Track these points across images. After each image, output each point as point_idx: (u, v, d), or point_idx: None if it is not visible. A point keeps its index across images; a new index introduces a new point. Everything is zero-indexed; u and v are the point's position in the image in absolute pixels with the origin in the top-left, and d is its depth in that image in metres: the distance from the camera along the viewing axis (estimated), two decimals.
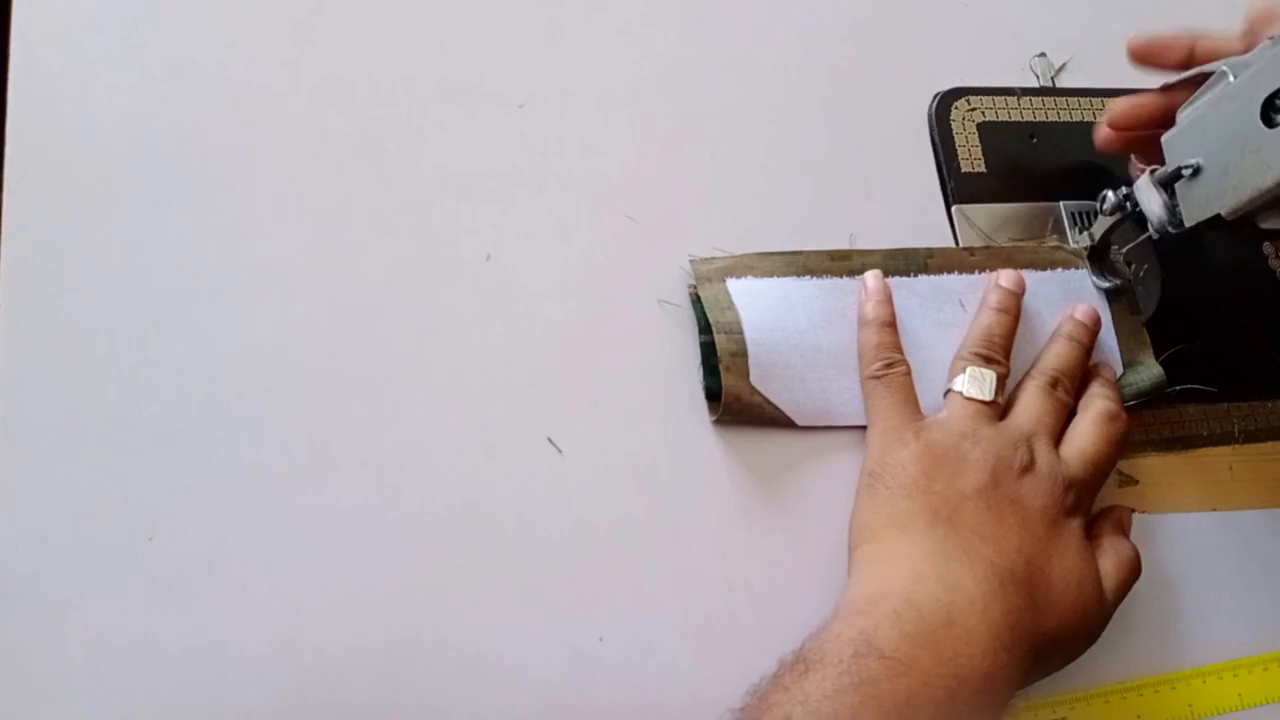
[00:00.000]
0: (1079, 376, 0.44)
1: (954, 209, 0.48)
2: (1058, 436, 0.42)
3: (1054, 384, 0.43)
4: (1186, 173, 0.40)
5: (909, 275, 0.45)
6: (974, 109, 0.50)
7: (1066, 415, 0.43)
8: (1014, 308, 0.44)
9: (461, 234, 0.42)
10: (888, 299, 0.43)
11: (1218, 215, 0.39)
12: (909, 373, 0.42)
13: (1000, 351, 0.43)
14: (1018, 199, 0.49)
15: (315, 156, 0.42)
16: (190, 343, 0.39)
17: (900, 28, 0.52)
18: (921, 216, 0.48)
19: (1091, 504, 0.42)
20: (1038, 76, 0.53)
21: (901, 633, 0.33)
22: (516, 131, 0.45)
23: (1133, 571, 0.41)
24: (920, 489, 0.38)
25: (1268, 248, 0.51)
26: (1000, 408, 0.42)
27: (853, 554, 0.39)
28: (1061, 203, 0.50)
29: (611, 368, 0.42)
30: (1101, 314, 0.46)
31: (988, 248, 0.47)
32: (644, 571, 0.39)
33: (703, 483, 0.41)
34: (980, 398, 0.41)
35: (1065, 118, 0.52)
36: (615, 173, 0.45)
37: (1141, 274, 0.48)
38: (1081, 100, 0.52)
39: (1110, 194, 0.44)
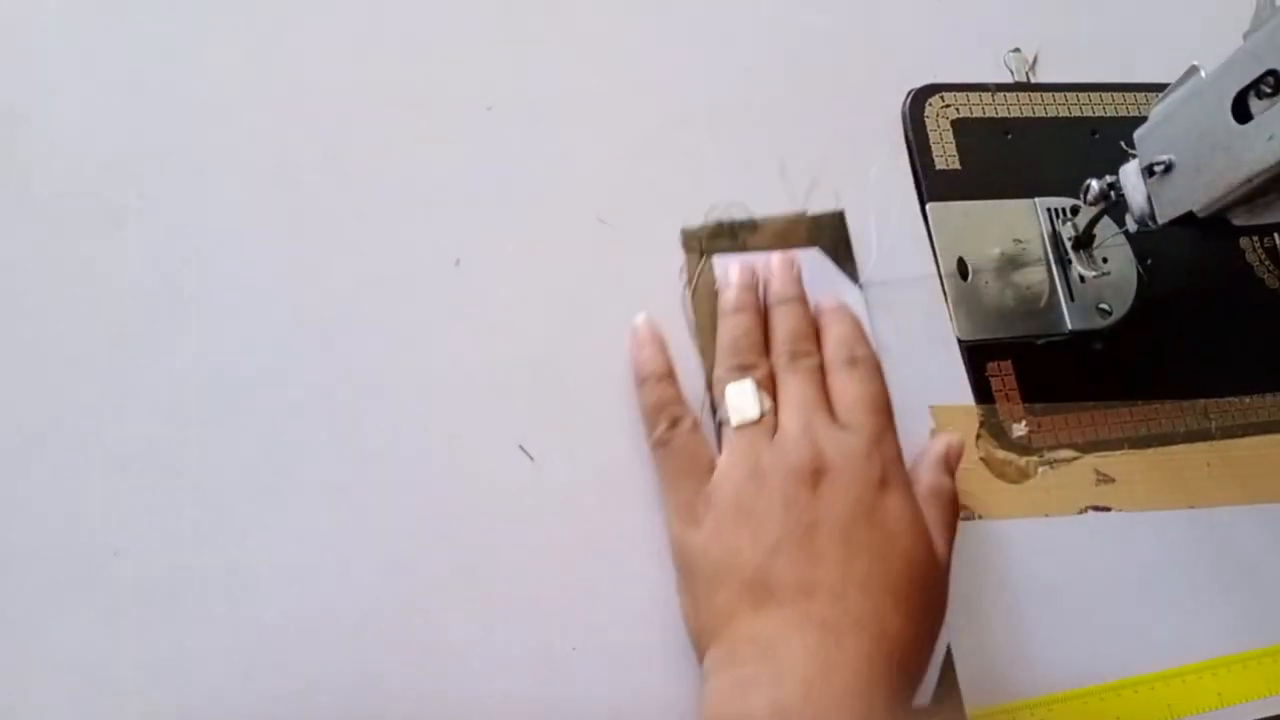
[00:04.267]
0: (811, 330, 0.42)
1: (928, 207, 0.48)
2: (828, 404, 0.39)
3: (793, 355, 0.40)
4: (1158, 169, 0.39)
5: None
6: (948, 105, 0.50)
7: (821, 372, 0.40)
8: (749, 301, 0.42)
9: (428, 239, 0.42)
10: (660, 346, 0.41)
11: (1190, 212, 0.39)
12: (696, 425, 0.39)
13: (751, 351, 0.40)
14: (993, 196, 0.49)
15: (277, 165, 0.41)
16: (151, 359, 0.38)
17: (871, 24, 0.51)
18: (895, 215, 0.47)
19: (897, 445, 0.39)
20: (1012, 72, 0.52)
21: None
22: (484, 134, 0.44)
23: (956, 508, 0.39)
24: (728, 569, 0.35)
25: (1245, 243, 0.51)
26: (773, 412, 0.39)
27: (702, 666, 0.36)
28: (1038, 199, 0.49)
29: (583, 372, 0.41)
30: None
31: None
32: (617, 579, 0.39)
33: None
34: (749, 418, 0.38)
35: (1041, 113, 0.51)
36: (586, 175, 0.44)
37: (1114, 271, 0.48)
38: (1057, 95, 0.52)
39: (1094, 183, 0.43)
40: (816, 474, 0.36)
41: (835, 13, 0.51)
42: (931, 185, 0.48)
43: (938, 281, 0.47)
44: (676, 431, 0.39)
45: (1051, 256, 0.48)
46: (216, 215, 0.40)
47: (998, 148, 0.50)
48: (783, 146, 0.47)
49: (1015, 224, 0.48)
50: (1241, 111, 0.36)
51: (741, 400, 0.39)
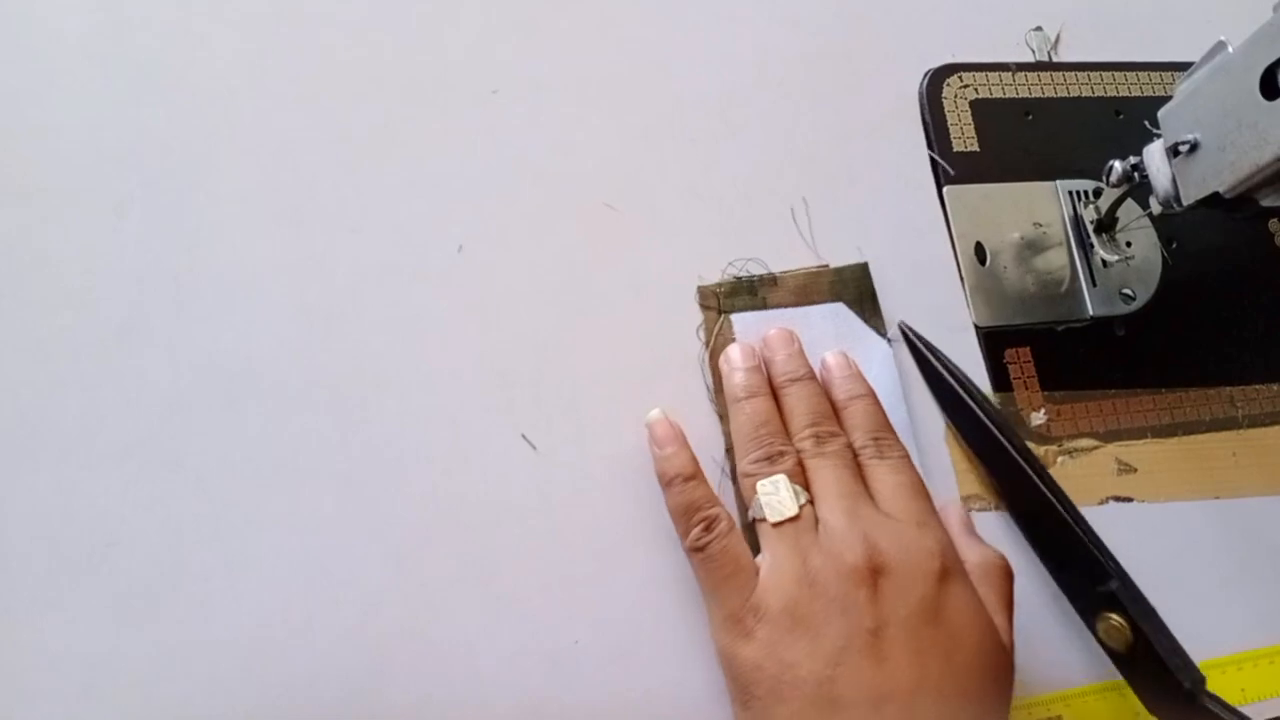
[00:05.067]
0: (829, 408, 0.40)
1: (945, 190, 0.47)
2: (864, 484, 0.38)
3: (819, 439, 0.38)
4: (1184, 149, 0.38)
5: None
6: (966, 86, 0.49)
7: (850, 451, 0.39)
8: (758, 383, 0.40)
9: (431, 225, 0.41)
10: (683, 443, 0.39)
11: (1216, 193, 0.37)
12: (732, 526, 0.37)
13: (775, 439, 0.38)
14: (1013, 178, 0.48)
15: (279, 152, 0.41)
16: (153, 348, 0.38)
17: (887, 2, 0.50)
18: (911, 200, 0.46)
19: (944, 528, 0.37)
20: (1033, 51, 0.51)
21: None
22: (489, 117, 0.43)
23: (1010, 579, 0.38)
24: (788, 684, 0.33)
25: (1274, 225, 0.50)
26: (810, 507, 0.37)
27: None
28: (1059, 182, 0.48)
29: (588, 361, 0.41)
30: None
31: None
32: (620, 571, 0.38)
33: None
34: (787, 515, 0.36)
35: (1063, 93, 0.50)
36: (593, 159, 0.44)
37: (1138, 255, 0.47)
38: (1080, 74, 0.50)
39: (1117, 164, 0.42)
40: (874, 572, 0.34)
41: None
42: (949, 168, 0.47)
43: (954, 266, 0.46)
44: (713, 535, 0.37)
45: (1073, 240, 0.47)
46: (218, 204, 0.40)
47: (1018, 129, 0.49)
48: (794, 129, 0.46)
49: (1035, 207, 0.47)
50: (1270, 87, 0.35)
51: (776, 497, 0.36)
